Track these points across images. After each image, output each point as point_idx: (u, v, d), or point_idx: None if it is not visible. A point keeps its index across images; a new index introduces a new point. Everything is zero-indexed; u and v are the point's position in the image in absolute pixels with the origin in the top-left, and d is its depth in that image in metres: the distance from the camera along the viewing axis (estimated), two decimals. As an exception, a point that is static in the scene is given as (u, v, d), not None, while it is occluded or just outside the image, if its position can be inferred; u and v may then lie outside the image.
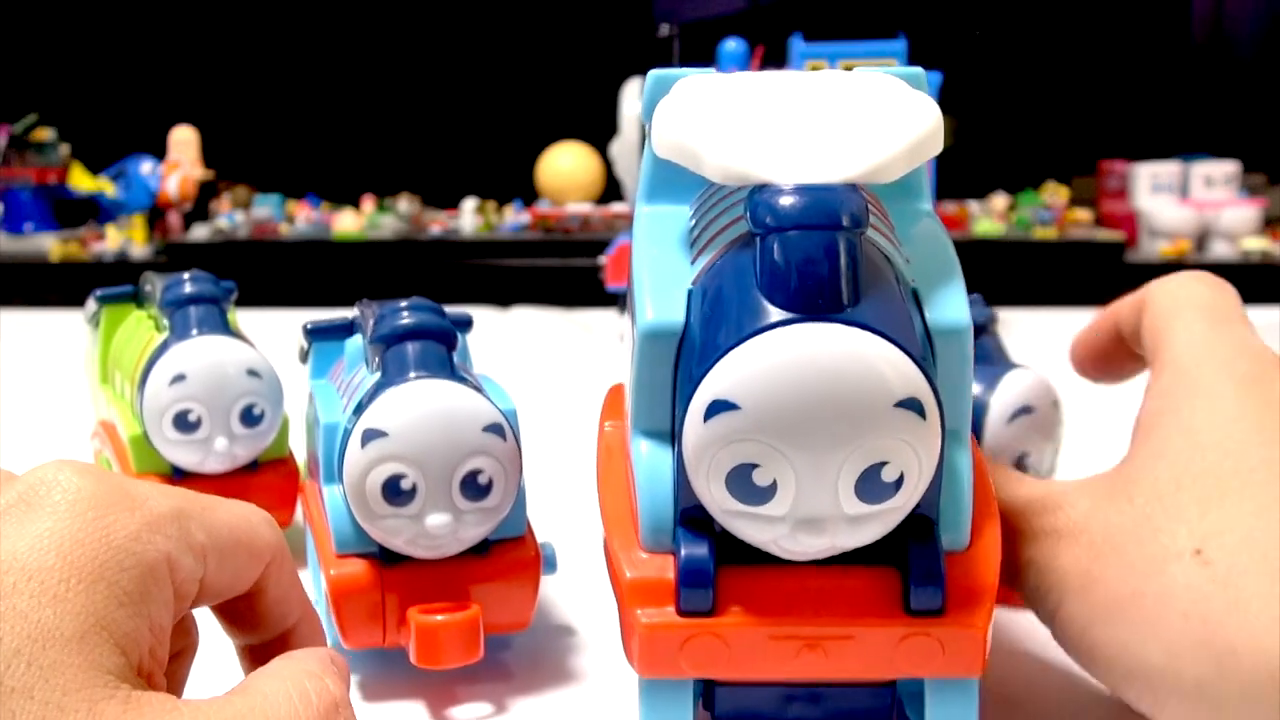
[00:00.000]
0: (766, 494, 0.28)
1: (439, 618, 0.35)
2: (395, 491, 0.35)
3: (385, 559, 0.36)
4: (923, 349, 0.29)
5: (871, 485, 0.27)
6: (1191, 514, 0.30)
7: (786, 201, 0.28)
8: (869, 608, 0.30)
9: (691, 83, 0.31)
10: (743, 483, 0.28)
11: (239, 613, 0.31)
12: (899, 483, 0.28)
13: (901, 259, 0.31)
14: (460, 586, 0.37)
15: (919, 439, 0.27)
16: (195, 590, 0.28)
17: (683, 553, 0.30)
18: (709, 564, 0.29)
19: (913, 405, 0.27)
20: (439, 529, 0.35)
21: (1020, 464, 0.42)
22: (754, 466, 0.27)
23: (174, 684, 0.30)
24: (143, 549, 0.26)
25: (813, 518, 0.28)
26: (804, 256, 0.27)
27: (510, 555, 0.38)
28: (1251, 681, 0.28)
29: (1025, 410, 0.42)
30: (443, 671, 0.36)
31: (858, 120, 0.29)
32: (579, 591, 0.43)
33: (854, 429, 0.27)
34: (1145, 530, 0.31)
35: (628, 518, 0.32)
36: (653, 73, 0.33)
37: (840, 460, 0.27)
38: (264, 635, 0.31)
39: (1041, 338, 0.95)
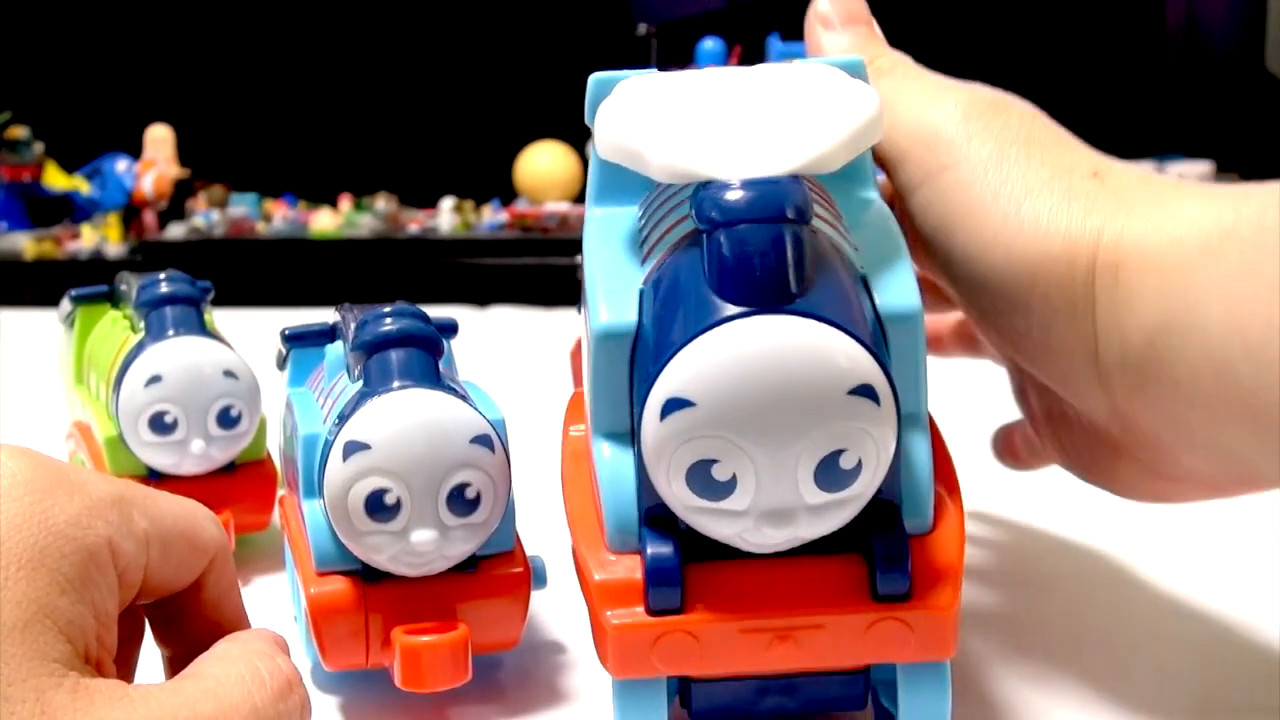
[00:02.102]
0: (727, 489, 0.28)
1: (425, 638, 0.34)
2: (379, 507, 0.33)
3: (368, 577, 0.35)
4: (874, 335, 0.29)
5: (831, 473, 0.28)
6: (1084, 152, 0.35)
7: (731, 196, 0.28)
8: (837, 596, 0.30)
9: (632, 84, 0.31)
10: (703, 479, 0.28)
11: (173, 614, 0.30)
12: (858, 469, 0.28)
13: (850, 247, 0.31)
14: (447, 605, 0.35)
15: (875, 425, 0.28)
16: (140, 579, 0.27)
17: (649, 552, 0.30)
18: (675, 562, 0.30)
19: (866, 392, 0.27)
20: (425, 545, 0.34)
21: None
22: (713, 462, 0.28)
23: (124, 671, 0.29)
24: (83, 534, 0.25)
25: (775, 509, 0.28)
26: (751, 250, 0.28)
27: (499, 571, 0.36)
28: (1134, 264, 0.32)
29: None
30: (429, 694, 0.35)
31: (798, 112, 0.29)
32: (570, 607, 0.41)
33: (809, 419, 0.27)
34: (1054, 143, 0.35)
35: (593, 520, 0.32)
36: (594, 76, 0.33)
37: (798, 451, 0.27)
38: (195, 643, 0.29)
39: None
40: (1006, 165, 0.34)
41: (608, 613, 0.30)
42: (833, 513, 0.28)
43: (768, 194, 0.28)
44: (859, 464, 0.28)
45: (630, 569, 0.30)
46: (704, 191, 0.28)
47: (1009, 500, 0.53)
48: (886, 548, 0.30)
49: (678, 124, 0.29)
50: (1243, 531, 0.50)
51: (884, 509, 0.30)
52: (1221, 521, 0.52)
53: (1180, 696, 0.37)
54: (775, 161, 0.29)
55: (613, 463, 0.31)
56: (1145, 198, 0.32)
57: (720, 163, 0.29)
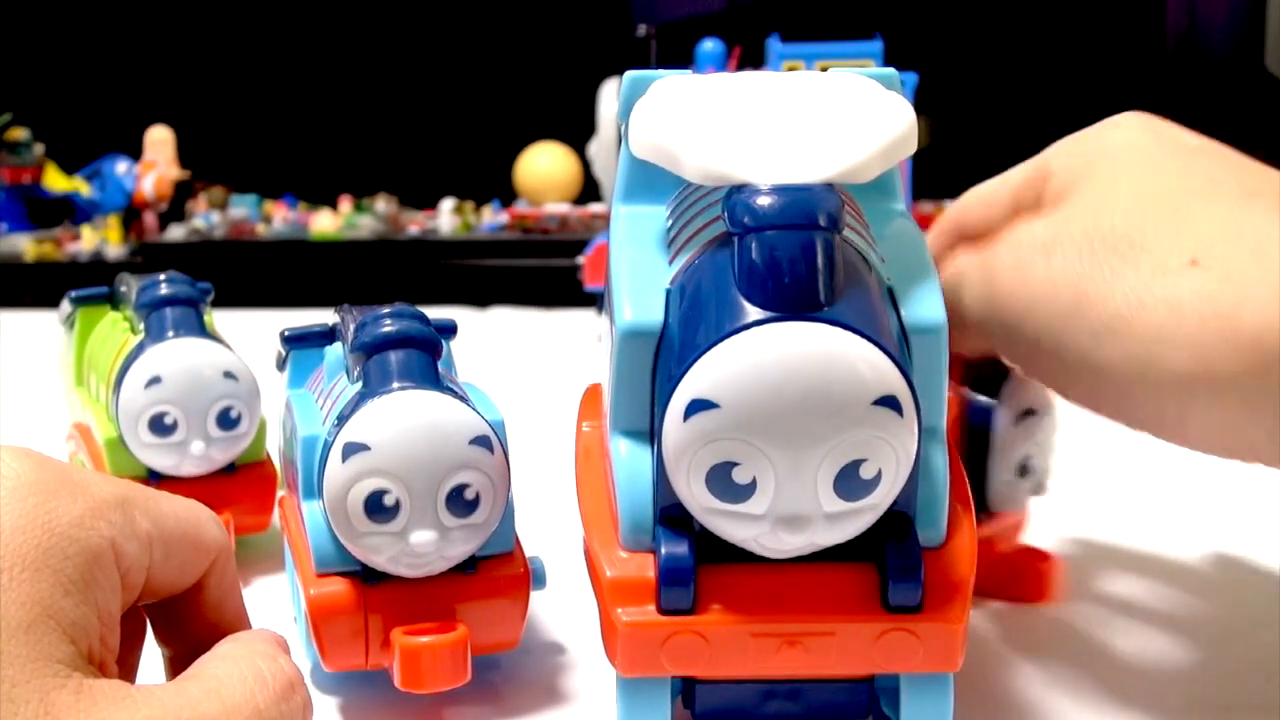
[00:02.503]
0: (746, 492, 0.28)
1: (424, 639, 0.34)
2: (378, 508, 0.33)
3: (368, 578, 0.35)
4: (899, 347, 0.29)
5: (850, 482, 0.28)
6: (1169, 230, 0.31)
7: (764, 201, 0.28)
8: (848, 604, 0.30)
9: (669, 83, 0.31)
10: (723, 481, 0.28)
11: (175, 614, 0.30)
12: (877, 480, 0.28)
13: (877, 258, 0.31)
14: (446, 605, 0.35)
15: (896, 436, 0.28)
16: (143, 580, 0.27)
17: (663, 551, 0.30)
18: (689, 562, 0.30)
19: (890, 403, 0.27)
20: (424, 547, 0.34)
21: (1025, 467, 0.42)
22: (733, 465, 0.28)
23: (125, 671, 0.29)
24: (86, 535, 0.26)
25: (792, 515, 0.28)
26: (782, 256, 0.28)
27: (498, 572, 0.36)
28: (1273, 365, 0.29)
29: (1030, 413, 0.42)
30: (429, 694, 0.35)
31: (834, 121, 0.30)
32: (569, 607, 0.42)
33: (832, 426, 0.27)
34: (1132, 251, 0.31)
35: (607, 517, 0.32)
36: (629, 74, 0.33)
37: (819, 458, 0.27)
38: (196, 644, 0.29)
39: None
40: (1097, 305, 0.32)
41: (618, 610, 0.30)
42: (849, 521, 0.29)
43: (800, 201, 0.28)
44: (879, 474, 0.28)
45: (643, 567, 0.30)
46: (737, 195, 0.28)
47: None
48: (900, 558, 0.30)
49: (713, 126, 0.29)
50: (1242, 531, 0.50)
51: (898, 520, 0.30)
52: (1221, 520, 0.52)
53: (1179, 695, 0.37)
54: (810, 169, 0.29)
55: (630, 461, 0.31)
56: (1256, 271, 0.29)
57: (754, 167, 0.29)
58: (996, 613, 0.43)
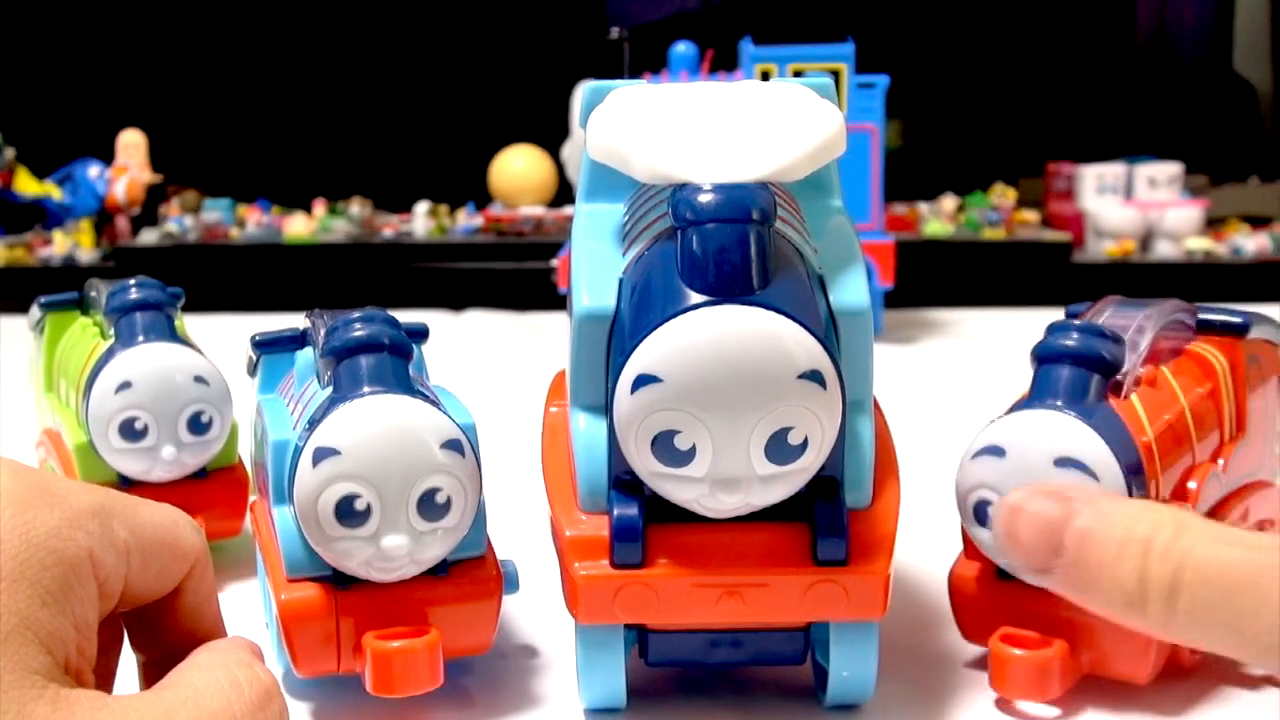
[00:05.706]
0: (687, 457, 0.31)
1: (395, 644, 0.34)
2: (349, 512, 0.33)
3: (339, 582, 0.35)
4: (826, 328, 0.32)
5: (780, 448, 0.31)
6: None
7: (704, 198, 0.31)
8: (781, 558, 0.33)
9: (622, 93, 0.35)
10: (666, 447, 0.31)
11: (152, 620, 0.30)
12: (804, 445, 0.31)
13: (810, 249, 0.34)
14: (418, 609, 0.35)
15: (821, 406, 0.31)
16: (120, 588, 0.27)
17: (615, 512, 0.33)
18: (639, 522, 0.33)
19: (814, 377, 0.31)
20: (395, 551, 0.34)
21: None
22: (675, 433, 0.31)
23: (102, 679, 0.29)
24: (64, 546, 0.26)
25: (728, 478, 0.31)
26: (719, 247, 0.31)
27: (470, 576, 0.36)
28: None
29: None
30: (401, 698, 0.35)
31: (768, 126, 0.33)
32: (542, 611, 0.42)
33: (762, 398, 0.30)
34: None
35: (568, 486, 0.35)
36: (588, 84, 0.36)
37: (751, 426, 0.31)
38: (172, 649, 0.30)
39: (992, 337, 0.96)
40: None
41: (576, 564, 0.33)
42: (780, 483, 0.32)
43: (736, 197, 0.31)
44: (805, 441, 0.31)
45: (598, 527, 0.33)
46: (680, 193, 0.32)
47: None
48: (827, 518, 0.33)
49: (661, 131, 0.33)
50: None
51: (827, 484, 0.33)
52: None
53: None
54: (745, 168, 0.32)
55: (588, 432, 0.34)
56: None
57: (696, 167, 0.32)
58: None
